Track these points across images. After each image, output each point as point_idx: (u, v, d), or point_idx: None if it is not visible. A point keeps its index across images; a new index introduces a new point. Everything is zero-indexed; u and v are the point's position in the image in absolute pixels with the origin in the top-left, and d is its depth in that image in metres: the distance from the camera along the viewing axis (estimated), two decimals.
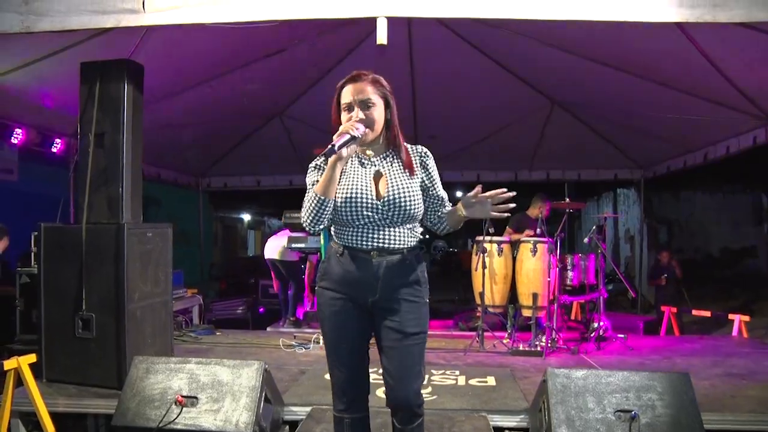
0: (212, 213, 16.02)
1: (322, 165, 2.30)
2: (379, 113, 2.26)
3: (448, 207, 2.38)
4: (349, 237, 2.25)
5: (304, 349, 5.42)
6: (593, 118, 7.34)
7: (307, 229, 2.24)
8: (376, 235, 2.24)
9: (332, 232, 2.35)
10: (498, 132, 7.76)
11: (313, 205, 2.18)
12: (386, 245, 2.24)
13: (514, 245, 5.80)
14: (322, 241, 5.69)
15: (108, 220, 3.80)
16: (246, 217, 23.03)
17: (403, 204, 2.23)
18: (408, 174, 2.29)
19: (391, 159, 2.32)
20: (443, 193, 2.40)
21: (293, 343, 5.66)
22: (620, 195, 15.97)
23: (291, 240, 6.49)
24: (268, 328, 6.91)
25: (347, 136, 2.13)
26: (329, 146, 2.09)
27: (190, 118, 6.66)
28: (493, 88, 6.70)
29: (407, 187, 2.26)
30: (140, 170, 4.04)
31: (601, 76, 5.71)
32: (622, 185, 14.86)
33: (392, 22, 3.33)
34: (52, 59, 4.31)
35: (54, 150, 6.04)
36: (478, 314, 5.81)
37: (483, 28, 4.94)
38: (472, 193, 2.24)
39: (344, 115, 2.25)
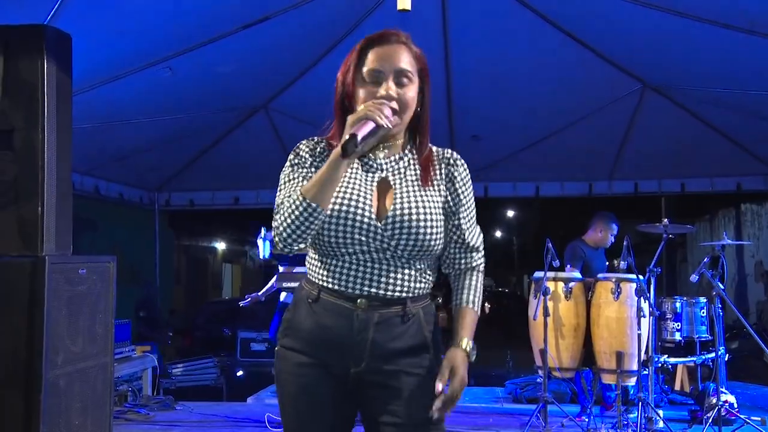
0: (173, 241, 16.09)
1: (307, 156, 2.15)
2: (413, 96, 2.11)
3: (474, 259, 2.21)
4: (330, 274, 2.08)
5: None
6: (704, 104, 7.23)
7: (279, 245, 2.04)
8: (368, 275, 2.05)
9: (307, 267, 2.19)
10: (566, 128, 7.72)
11: (296, 212, 1.98)
12: (381, 292, 2.05)
13: (588, 285, 5.78)
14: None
15: (20, 252, 3.69)
16: (220, 246, 23.14)
17: (414, 228, 2.03)
18: (426, 186, 2.11)
19: (406, 163, 2.15)
20: (470, 234, 2.19)
21: None
22: (746, 213, 15.72)
23: (282, 277, 6.52)
24: (249, 399, 6.97)
25: (371, 125, 1.94)
26: (348, 137, 1.90)
27: (142, 111, 6.69)
28: (560, 68, 6.67)
29: (423, 204, 2.07)
30: (70, 182, 3.97)
31: (719, 44, 5.64)
32: (749, 199, 14.66)
33: None
34: None
35: None
36: (539, 380, 5.78)
37: None
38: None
39: (365, 89, 2.07)
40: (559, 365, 5.63)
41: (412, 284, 2.08)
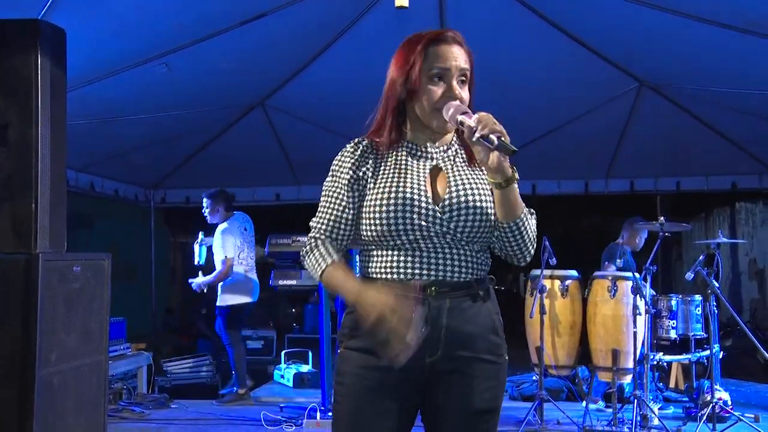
0: (168, 238, 15.99)
1: (348, 160, 2.18)
2: (468, 94, 2.23)
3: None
4: (393, 266, 2.07)
5: (294, 427, 5.46)
6: (700, 102, 7.21)
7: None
8: (433, 261, 2.06)
9: (361, 265, 2.18)
10: (562, 127, 7.71)
11: (313, 269, 2.14)
12: (449, 276, 2.06)
13: (585, 283, 5.85)
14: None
15: (14, 249, 3.66)
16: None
17: (471, 209, 2.07)
18: (473, 167, 2.17)
19: (454, 152, 2.22)
20: None
21: (280, 417, 5.73)
22: (741, 211, 15.67)
23: (278, 276, 6.52)
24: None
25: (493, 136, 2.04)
26: (492, 138, 2.01)
27: (138, 107, 6.65)
28: (556, 66, 6.64)
29: (477, 186, 2.12)
30: (64, 179, 3.97)
31: (715, 43, 5.63)
32: (743, 198, 14.62)
33: None
34: None
35: None
36: (535, 378, 5.82)
37: None
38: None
39: (432, 87, 2.14)
40: (556, 363, 5.68)
41: (475, 266, 2.12)
